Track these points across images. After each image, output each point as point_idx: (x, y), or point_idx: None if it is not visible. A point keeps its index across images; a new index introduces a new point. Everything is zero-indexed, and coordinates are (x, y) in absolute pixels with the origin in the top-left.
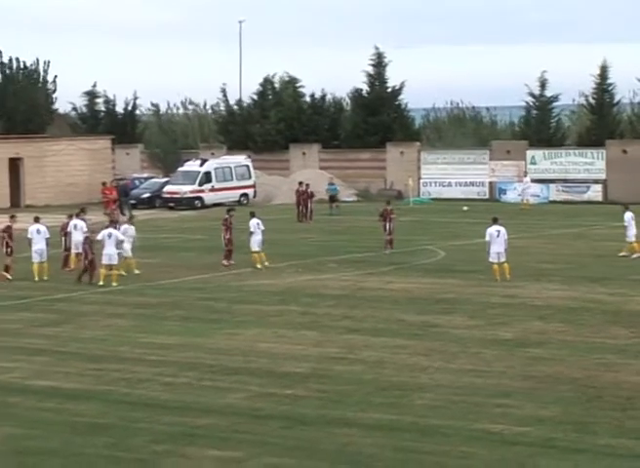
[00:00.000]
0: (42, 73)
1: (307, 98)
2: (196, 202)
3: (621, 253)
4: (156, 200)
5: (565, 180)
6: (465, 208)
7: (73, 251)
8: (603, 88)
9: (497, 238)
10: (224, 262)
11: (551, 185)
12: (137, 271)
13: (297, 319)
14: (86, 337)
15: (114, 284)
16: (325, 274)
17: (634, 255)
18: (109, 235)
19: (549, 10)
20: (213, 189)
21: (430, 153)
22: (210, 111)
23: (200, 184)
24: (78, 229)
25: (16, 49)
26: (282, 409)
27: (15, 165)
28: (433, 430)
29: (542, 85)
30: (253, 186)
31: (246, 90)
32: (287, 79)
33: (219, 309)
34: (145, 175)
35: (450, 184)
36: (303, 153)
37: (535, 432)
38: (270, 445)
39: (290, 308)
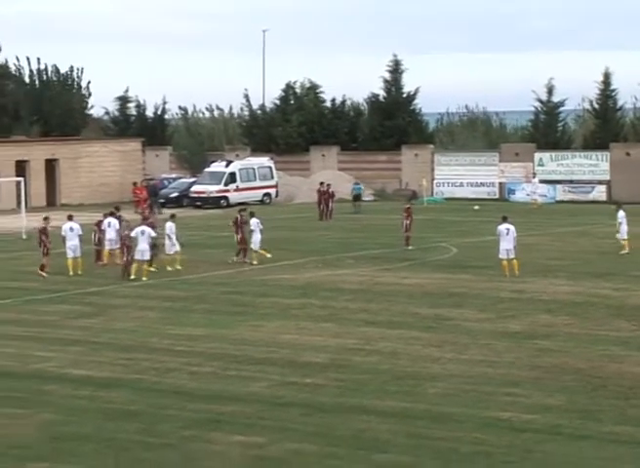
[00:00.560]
0: (76, 79)
1: (327, 103)
2: (222, 201)
3: (623, 252)
4: (184, 199)
5: (571, 181)
6: (476, 207)
7: (107, 247)
8: (607, 94)
9: (506, 235)
10: (234, 258)
11: (558, 186)
12: (178, 267)
13: (316, 312)
14: (118, 329)
15: (144, 278)
16: (343, 269)
17: (623, 252)
18: (142, 232)
19: (555, 20)
20: (237, 189)
21: (443, 155)
22: (235, 115)
23: (225, 184)
24: (112, 227)
25: (52, 56)
26: (302, 397)
27: (51, 166)
28: (446, 417)
29: (550, 91)
30: (275, 186)
31: (269, 95)
32: (308, 85)
33: (243, 302)
34: (174, 175)
35: (462, 185)
36: (323, 155)
37: (542, 419)
38: (291, 431)
39: (310, 302)
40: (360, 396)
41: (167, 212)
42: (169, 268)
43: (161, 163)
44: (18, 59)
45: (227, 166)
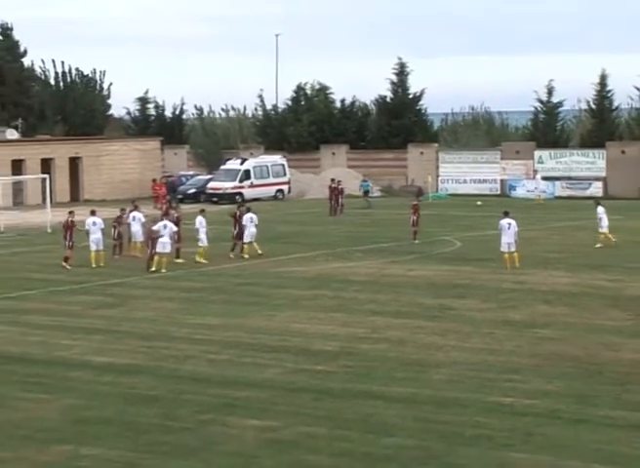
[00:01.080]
0: (99, 81)
1: (337, 104)
2: (237, 197)
3: (598, 245)
4: (201, 195)
5: (569, 178)
6: (479, 202)
7: (133, 239)
8: (603, 95)
9: (507, 230)
10: (231, 255)
11: (557, 182)
12: (203, 260)
13: (327, 302)
14: (138, 318)
15: (163, 270)
16: (352, 262)
17: (597, 245)
18: (164, 226)
19: (555, 24)
20: (252, 185)
21: (447, 153)
22: (249, 115)
23: (240, 181)
24: (136, 220)
25: (76, 60)
26: (314, 383)
27: (74, 163)
28: (450, 402)
29: (549, 92)
30: (287, 183)
31: (281, 96)
32: (318, 87)
33: (257, 293)
34: (191, 172)
35: (465, 181)
36: (333, 153)
37: (541, 404)
38: (303, 415)
39: (321, 293)
40: (368, 382)
41: (185, 207)
42: (203, 261)
43: (179, 161)
44: (43, 63)
45: (242, 163)
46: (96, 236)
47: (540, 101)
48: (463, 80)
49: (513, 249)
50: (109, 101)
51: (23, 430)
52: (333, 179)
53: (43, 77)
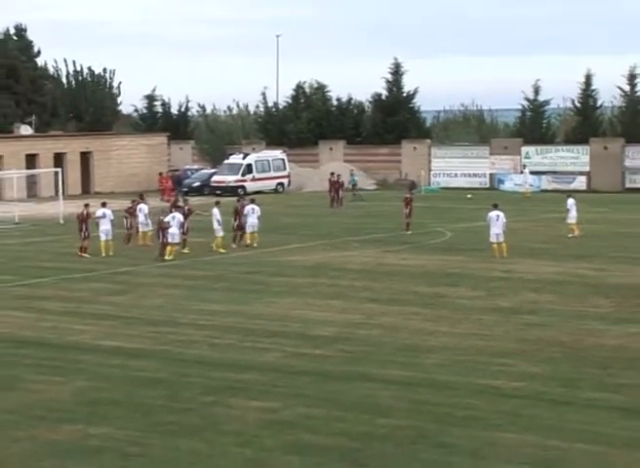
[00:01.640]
0: (108, 80)
1: (334, 102)
2: (239, 190)
3: (570, 235)
4: (205, 188)
5: (554, 172)
6: (469, 195)
7: (140, 229)
8: (587, 94)
9: (496, 221)
10: (233, 245)
11: (543, 177)
12: (222, 250)
13: (325, 290)
14: (146, 305)
15: (169, 257)
16: (349, 252)
17: (570, 235)
18: (173, 217)
19: (542, 26)
20: (254, 179)
21: (439, 148)
22: (251, 113)
23: (243, 175)
24: (141, 211)
25: (86, 59)
26: (312, 367)
27: (85, 158)
28: (442, 385)
29: (536, 91)
30: (287, 177)
31: (281, 94)
32: (316, 85)
33: (258, 281)
34: (196, 166)
35: (456, 175)
36: (331, 148)
37: (528, 387)
38: (302, 396)
39: (319, 281)
40: (365, 365)
41: (190, 200)
42: (221, 250)
43: (184, 155)
44: (56, 62)
45: (244, 158)
46: (105, 227)
47: (528, 100)
48: (455, 79)
49: (502, 239)
50: (119, 99)
51: (37, 410)
52: (332, 173)
53: (56, 76)
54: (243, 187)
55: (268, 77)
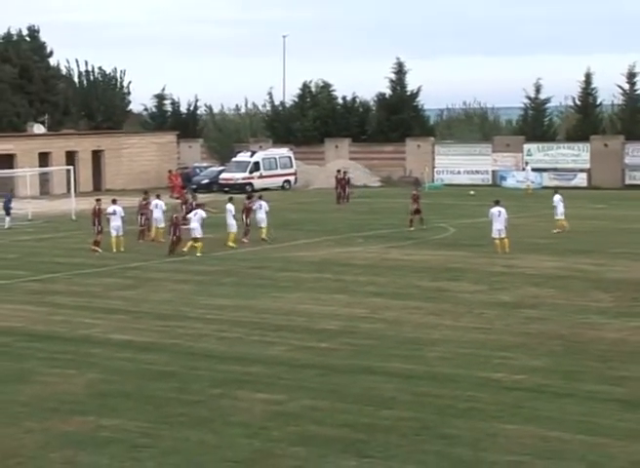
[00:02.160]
0: (119, 79)
1: (340, 101)
2: (247, 187)
3: (555, 231)
4: (213, 185)
5: (556, 169)
6: (472, 192)
7: (154, 225)
8: (587, 92)
9: (498, 217)
10: (244, 240)
11: (544, 173)
12: (233, 244)
13: (330, 285)
14: (155, 299)
15: (198, 254)
16: (354, 247)
17: (555, 231)
18: (195, 214)
19: (543, 26)
20: (261, 176)
21: (443, 146)
22: (259, 111)
23: (250, 172)
24: (158, 208)
25: (98, 59)
26: (317, 360)
27: (97, 156)
28: (444, 377)
29: (537, 89)
30: (294, 174)
31: (288, 93)
32: (322, 84)
33: (265, 276)
34: (205, 164)
35: (459, 172)
36: (336, 146)
37: (529, 379)
38: (307, 389)
39: (324, 276)
40: (368, 359)
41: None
42: (231, 244)
43: (193, 153)
44: (68, 62)
45: (252, 156)
46: (116, 223)
47: (529, 98)
48: (458, 78)
49: (504, 235)
50: (129, 98)
51: (49, 402)
52: (339, 170)
53: (68, 76)
54: (250, 184)
55: (275, 76)
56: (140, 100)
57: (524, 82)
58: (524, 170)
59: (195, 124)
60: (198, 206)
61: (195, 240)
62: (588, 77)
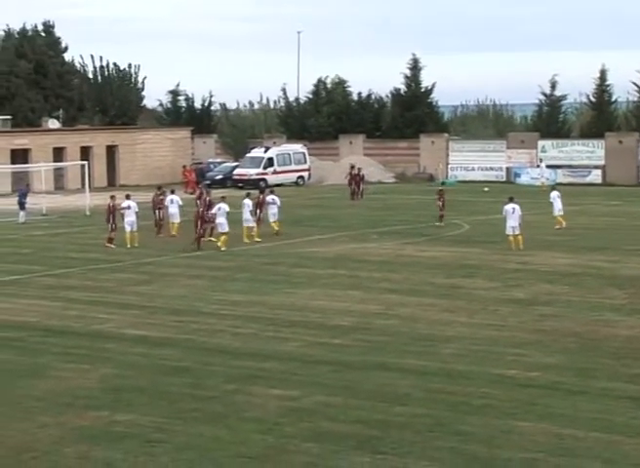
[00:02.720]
0: (133, 75)
1: (354, 97)
2: (261, 183)
3: (557, 227)
4: (227, 181)
5: (570, 166)
6: (486, 189)
7: (171, 221)
8: (602, 89)
9: (512, 214)
10: (252, 233)
11: (559, 170)
12: (247, 240)
13: (344, 281)
14: (169, 295)
15: (223, 248)
16: (368, 243)
17: (557, 226)
18: (219, 208)
19: (557, 23)
20: (275, 172)
21: (457, 142)
22: (273, 107)
23: (264, 168)
24: (174, 203)
25: (112, 55)
26: (331, 356)
27: (111, 151)
28: (458, 374)
29: (553, 86)
30: (308, 170)
31: (302, 89)
32: (337, 80)
33: (279, 272)
34: (219, 160)
35: (473, 169)
36: (350, 142)
37: (543, 376)
38: (321, 385)
39: (338, 272)
40: (382, 355)
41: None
42: (246, 240)
43: (207, 149)
44: (82, 58)
45: (266, 152)
46: (130, 219)
47: (545, 95)
48: (473, 75)
49: (518, 232)
50: (143, 94)
51: (64, 397)
52: (353, 166)
53: (82, 71)
54: (264, 180)
55: (289, 72)
56: (155, 96)
57: (538, 78)
58: (538, 166)
59: (210, 119)
60: (223, 199)
61: (222, 234)
62: (603, 74)
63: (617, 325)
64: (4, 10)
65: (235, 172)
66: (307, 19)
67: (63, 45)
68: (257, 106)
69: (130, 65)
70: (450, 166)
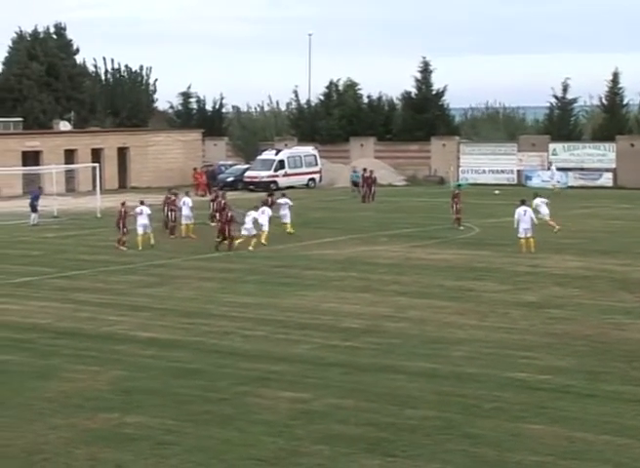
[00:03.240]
0: (145, 77)
1: (365, 99)
2: (272, 185)
3: (556, 229)
4: (239, 183)
5: (581, 169)
6: (497, 191)
7: (184, 222)
8: (614, 91)
9: (524, 216)
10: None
11: (570, 173)
12: (265, 242)
13: (355, 283)
14: (180, 297)
15: (250, 248)
16: (379, 246)
17: (556, 229)
18: (247, 214)
19: (568, 25)
20: (286, 174)
21: (468, 145)
22: (284, 109)
23: (275, 170)
24: (186, 205)
25: (124, 57)
26: (342, 358)
27: (122, 153)
28: (468, 377)
29: (564, 89)
30: (319, 172)
31: (314, 92)
32: (349, 83)
33: (290, 275)
34: (230, 162)
35: (484, 171)
36: (361, 145)
37: (554, 379)
38: (332, 387)
39: (349, 274)
40: (393, 358)
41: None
42: (264, 242)
43: (218, 151)
44: (94, 60)
45: (277, 154)
46: (143, 221)
47: (556, 97)
48: (484, 77)
49: (530, 234)
50: (154, 96)
51: (74, 399)
52: (365, 169)
53: (94, 73)
54: (275, 182)
55: (300, 74)
56: (166, 98)
57: (550, 81)
58: (549, 169)
59: (221, 122)
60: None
61: (252, 237)
62: (616, 76)
63: (627, 328)
64: (16, 12)
65: (246, 174)
66: (319, 21)
67: (75, 47)
68: (267, 108)
69: (141, 67)
70: (461, 168)
